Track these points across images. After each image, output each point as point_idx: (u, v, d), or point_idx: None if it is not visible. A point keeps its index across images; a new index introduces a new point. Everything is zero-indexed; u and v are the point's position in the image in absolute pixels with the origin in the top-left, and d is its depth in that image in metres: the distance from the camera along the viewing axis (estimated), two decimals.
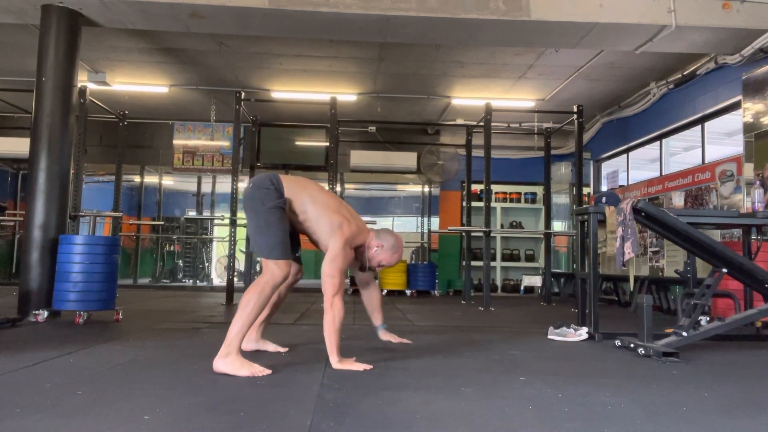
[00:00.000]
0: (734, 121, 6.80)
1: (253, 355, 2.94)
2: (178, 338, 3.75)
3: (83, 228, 7.04)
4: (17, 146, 8.39)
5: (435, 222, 10.92)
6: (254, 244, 2.80)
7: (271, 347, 3.21)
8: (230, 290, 6.66)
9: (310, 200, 2.87)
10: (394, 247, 3.02)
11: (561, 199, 10.57)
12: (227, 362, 2.55)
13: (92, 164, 9.74)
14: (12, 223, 10.50)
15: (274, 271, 2.70)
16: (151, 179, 11.61)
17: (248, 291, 2.68)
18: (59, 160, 5.01)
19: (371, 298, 3.29)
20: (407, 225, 14.19)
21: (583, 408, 2.07)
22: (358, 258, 3.03)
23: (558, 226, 10.53)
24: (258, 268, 11.08)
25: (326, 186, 6.97)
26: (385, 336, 3.30)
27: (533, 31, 5.52)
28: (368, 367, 2.71)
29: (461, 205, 10.37)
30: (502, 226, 10.97)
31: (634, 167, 9.31)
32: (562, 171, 10.31)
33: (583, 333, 4.02)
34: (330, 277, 2.74)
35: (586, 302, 4.25)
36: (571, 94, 8.42)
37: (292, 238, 2.88)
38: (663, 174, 7.89)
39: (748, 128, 5.94)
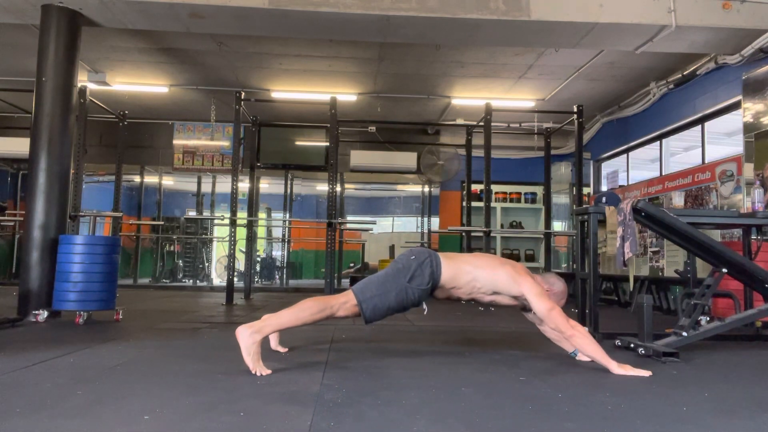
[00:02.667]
0: (734, 121, 6.81)
1: None
2: (178, 338, 3.75)
3: (83, 228, 7.04)
4: (17, 146, 8.39)
5: (435, 222, 10.93)
6: (367, 281, 2.82)
7: (273, 342, 3.21)
8: (230, 290, 6.66)
9: (474, 267, 2.93)
10: (563, 292, 3.10)
11: (561, 199, 10.57)
12: (249, 339, 2.54)
13: (92, 164, 9.75)
14: (12, 223, 10.50)
15: (346, 307, 2.72)
16: (151, 179, 11.62)
17: (314, 300, 2.69)
18: (59, 160, 5.01)
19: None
20: (407, 225, 14.20)
21: (583, 408, 2.07)
22: (523, 300, 3.01)
23: (558, 226, 10.54)
24: (257, 267, 11.09)
25: (326, 186, 6.98)
26: (584, 357, 3.17)
27: (533, 31, 5.52)
28: (649, 373, 2.68)
29: (461, 205, 10.38)
30: (502, 226, 10.97)
31: (634, 167, 9.31)
32: (562, 171, 10.31)
33: None
34: (552, 308, 2.80)
35: (586, 302, 4.25)
36: (571, 94, 8.42)
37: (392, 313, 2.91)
38: (663, 174, 7.89)
39: (748, 128, 5.94)
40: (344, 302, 2.73)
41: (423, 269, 2.82)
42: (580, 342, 2.78)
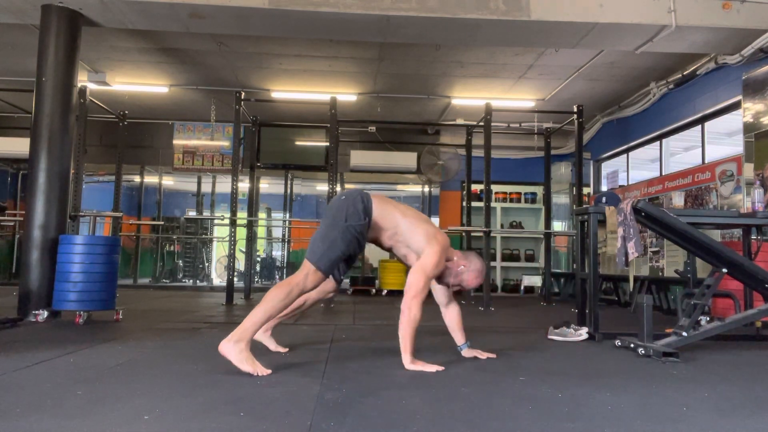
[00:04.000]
0: (734, 121, 6.80)
1: (254, 354, 2.94)
2: (178, 338, 3.75)
3: (83, 228, 7.04)
4: (17, 146, 8.38)
5: (435, 222, 10.89)
6: (312, 246, 2.80)
7: (272, 345, 3.22)
8: (230, 290, 6.66)
9: (402, 215, 2.92)
10: (479, 271, 3.07)
11: (561, 199, 10.57)
12: (234, 350, 2.53)
13: (92, 164, 9.74)
14: (12, 223, 10.50)
15: (309, 276, 2.70)
16: (151, 179, 11.61)
17: (277, 287, 2.67)
18: (59, 160, 5.01)
19: (452, 317, 3.22)
20: None
21: (583, 408, 2.07)
22: (441, 274, 3.02)
23: (558, 226, 10.53)
24: (257, 267, 11.09)
25: (326, 186, 6.98)
26: (469, 353, 3.19)
27: (533, 31, 5.52)
28: (440, 368, 2.70)
29: (461, 205, 10.37)
30: (502, 226, 10.97)
31: (634, 167, 9.31)
32: (562, 171, 10.30)
33: (583, 333, 4.02)
34: (415, 279, 2.78)
35: (586, 302, 4.25)
36: (571, 94, 8.42)
37: (349, 262, 2.93)
38: (663, 174, 7.89)
39: (748, 128, 5.94)
40: (306, 274, 2.70)
41: (356, 206, 2.80)
42: (401, 320, 2.75)
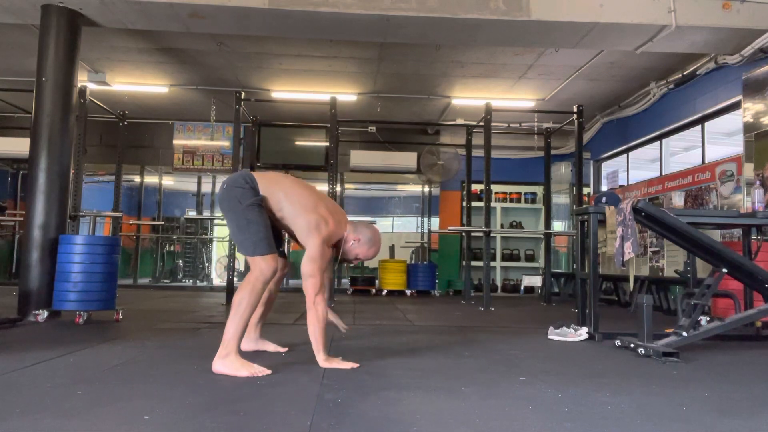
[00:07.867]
0: (734, 121, 6.80)
1: (253, 355, 2.95)
2: (178, 338, 3.75)
3: (83, 228, 7.04)
4: (17, 146, 8.37)
5: (435, 222, 10.93)
6: (238, 244, 2.81)
7: (271, 347, 3.22)
8: (230, 290, 6.66)
9: (285, 198, 2.86)
10: (371, 241, 3.04)
11: (561, 199, 10.57)
12: (226, 363, 2.56)
13: (92, 164, 9.75)
14: (12, 223, 10.50)
15: (261, 267, 2.71)
16: (151, 179, 11.61)
17: (239, 290, 2.69)
18: (59, 160, 5.01)
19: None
20: (407, 225, 14.20)
21: (583, 408, 2.07)
22: (335, 250, 3.04)
23: (558, 226, 10.53)
24: None
25: (327, 186, 6.96)
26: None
27: (533, 31, 5.52)
28: (355, 365, 2.74)
29: (461, 205, 10.37)
30: (502, 226, 10.97)
31: (634, 167, 9.31)
32: (562, 171, 10.30)
33: (583, 333, 4.02)
34: (311, 277, 2.77)
35: (586, 302, 4.25)
36: (571, 94, 8.42)
37: (274, 234, 2.91)
38: (663, 174, 7.89)
39: (748, 128, 5.94)
40: (260, 266, 2.70)
41: (242, 187, 2.77)
42: (309, 320, 2.76)
